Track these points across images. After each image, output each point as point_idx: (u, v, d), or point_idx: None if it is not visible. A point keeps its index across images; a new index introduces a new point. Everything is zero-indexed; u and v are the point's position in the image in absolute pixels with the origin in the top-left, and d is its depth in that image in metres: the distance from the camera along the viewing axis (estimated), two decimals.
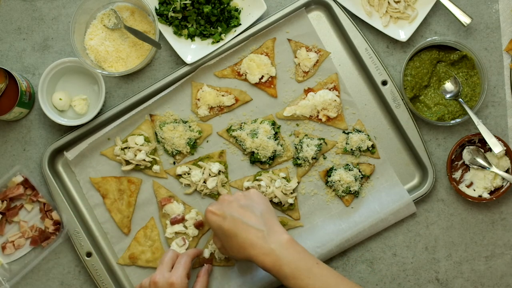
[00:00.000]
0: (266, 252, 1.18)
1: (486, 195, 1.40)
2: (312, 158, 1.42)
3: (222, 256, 1.41)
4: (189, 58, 1.42)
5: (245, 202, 1.25)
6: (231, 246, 1.22)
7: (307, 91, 1.44)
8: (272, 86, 1.45)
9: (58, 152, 1.44)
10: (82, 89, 1.45)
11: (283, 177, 1.42)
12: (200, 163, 1.43)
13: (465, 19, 1.41)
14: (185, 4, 1.40)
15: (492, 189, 1.41)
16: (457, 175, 1.43)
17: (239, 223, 1.20)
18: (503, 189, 1.39)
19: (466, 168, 1.43)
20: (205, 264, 1.39)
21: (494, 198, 1.39)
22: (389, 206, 1.41)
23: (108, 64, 1.42)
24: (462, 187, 1.42)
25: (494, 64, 1.45)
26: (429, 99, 1.43)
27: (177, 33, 1.43)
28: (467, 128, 1.45)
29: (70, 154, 1.42)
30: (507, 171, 1.40)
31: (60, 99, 1.41)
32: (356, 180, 1.41)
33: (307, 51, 1.44)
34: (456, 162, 1.43)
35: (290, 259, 1.18)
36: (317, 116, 1.44)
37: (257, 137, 1.41)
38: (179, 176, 1.44)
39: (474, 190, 1.41)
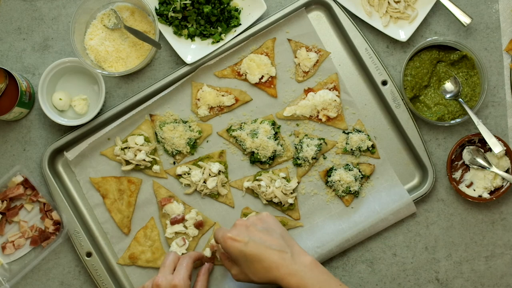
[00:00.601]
0: (291, 273, 1.18)
1: (486, 195, 1.40)
2: (312, 158, 1.42)
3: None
4: (189, 58, 1.42)
5: (262, 225, 1.25)
6: (254, 271, 1.21)
7: (307, 91, 1.44)
8: (272, 86, 1.45)
9: (58, 152, 1.44)
10: (82, 89, 1.45)
11: (283, 177, 1.42)
12: (200, 163, 1.43)
13: (465, 19, 1.41)
14: (185, 4, 1.40)
15: (492, 189, 1.41)
16: (457, 175, 1.43)
17: (262, 247, 1.20)
18: (503, 189, 1.39)
19: (466, 168, 1.43)
20: (205, 263, 1.39)
21: (494, 198, 1.39)
22: (389, 206, 1.41)
23: (108, 64, 1.42)
24: (462, 187, 1.42)
25: (494, 64, 1.45)
26: (429, 99, 1.43)
27: (177, 33, 1.43)
28: (467, 128, 1.45)
29: (70, 154, 1.42)
30: (507, 171, 1.40)
31: (60, 99, 1.41)
32: (356, 180, 1.41)
33: (307, 51, 1.44)
34: (456, 162, 1.43)
35: (314, 280, 1.18)
36: (317, 116, 1.44)
37: (257, 137, 1.41)
38: (179, 176, 1.44)
39: (474, 190, 1.41)
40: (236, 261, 1.24)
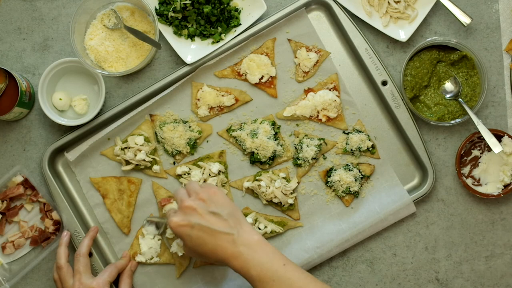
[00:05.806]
0: (235, 256, 1.18)
1: (496, 189, 1.40)
2: (312, 158, 1.42)
3: None
4: (189, 58, 1.42)
5: (210, 207, 1.22)
6: (202, 253, 1.21)
7: (307, 91, 1.44)
8: (272, 86, 1.45)
9: (58, 152, 1.44)
10: (82, 89, 1.45)
11: (283, 177, 1.42)
12: (200, 163, 1.43)
13: (465, 19, 1.41)
14: (185, 4, 1.40)
15: (502, 186, 1.40)
16: (465, 170, 1.42)
17: (207, 230, 1.19)
18: (511, 186, 1.39)
19: (475, 164, 1.42)
20: (131, 263, 1.41)
21: (502, 195, 1.39)
22: (389, 206, 1.41)
23: (108, 64, 1.42)
24: (470, 183, 1.41)
25: (494, 64, 1.45)
26: (429, 99, 1.43)
27: (177, 33, 1.43)
28: (467, 128, 1.45)
29: (70, 156, 1.42)
30: None
31: (60, 99, 1.41)
32: (356, 180, 1.41)
33: (307, 51, 1.44)
34: (465, 158, 1.42)
35: (257, 261, 1.18)
36: (317, 116, 1.44)
37: (257, 137, 1.41)
38: (179, 176, 1.44)
39: (482, 185, 1.41)
40: (186, 244, 1.23)
